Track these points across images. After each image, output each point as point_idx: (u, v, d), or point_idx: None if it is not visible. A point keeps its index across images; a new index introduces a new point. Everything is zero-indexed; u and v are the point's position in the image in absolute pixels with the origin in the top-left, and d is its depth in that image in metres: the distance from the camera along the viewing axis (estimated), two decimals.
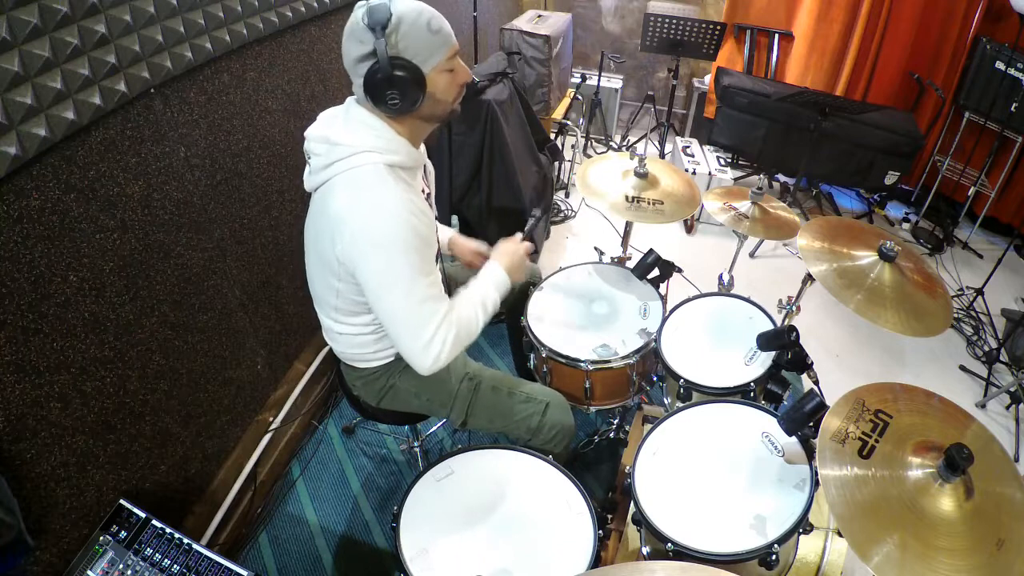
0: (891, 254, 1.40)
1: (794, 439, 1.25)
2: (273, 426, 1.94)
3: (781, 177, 3.86)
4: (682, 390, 1.51)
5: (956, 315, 2.90)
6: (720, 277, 2.02)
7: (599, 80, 3.92)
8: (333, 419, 2.23)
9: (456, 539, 1.23)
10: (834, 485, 0.96)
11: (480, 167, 2.43)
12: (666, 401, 1.70)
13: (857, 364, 2.61)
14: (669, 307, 1.74)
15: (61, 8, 1.03)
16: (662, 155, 3.85)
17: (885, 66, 3.60)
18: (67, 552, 1.22)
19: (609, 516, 1.48)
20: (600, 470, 2.02)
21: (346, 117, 1.18)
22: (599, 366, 1.61)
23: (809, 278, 1.57)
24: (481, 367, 1.52)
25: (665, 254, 1.78)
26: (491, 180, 2.45)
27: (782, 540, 1.10)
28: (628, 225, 2.04)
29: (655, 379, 1.75)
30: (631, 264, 1.82)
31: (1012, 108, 2.99)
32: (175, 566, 1.23)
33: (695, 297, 1.79)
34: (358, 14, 1.07)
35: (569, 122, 3.66)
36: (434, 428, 2.13)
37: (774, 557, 1.10)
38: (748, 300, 1.73)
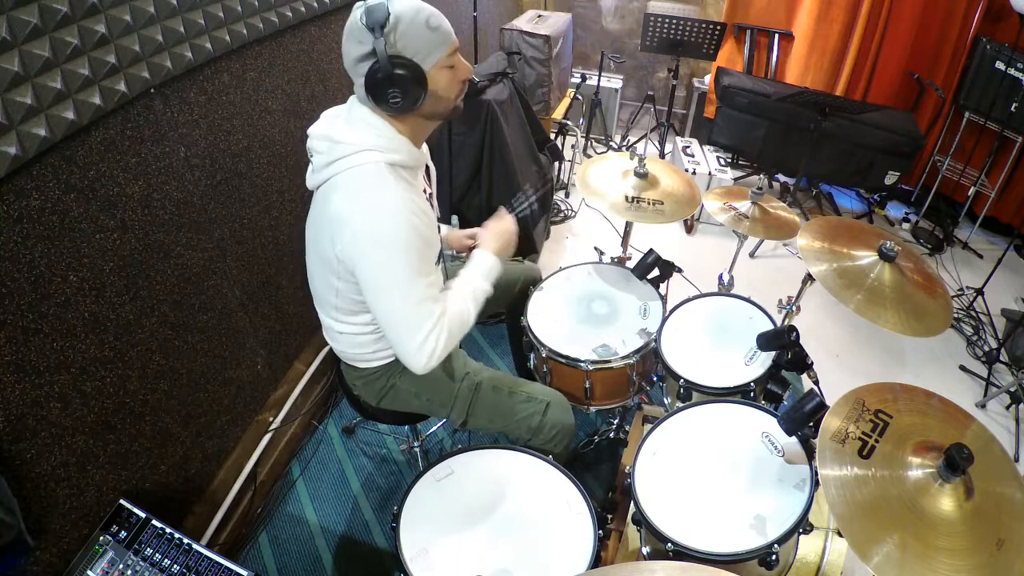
0: (891, 254, 1.40)
1: (794, 439, 1.25)
2: (273, 426, 1.94)
3: (781, 177, 3.86)
4: (682, 390, 1.51)
5: (956, 315, 2.89)
6: (720, 277, 2.02)
7: (599, 80, 3.91)
8: (333, 419, 2.23)
9: (456, 539, 1.22)
10: (834, 485, 0.96)
11: (480, 167, 2.43)
12: (666, 401, 1.70)
13: (857, 364, 2.61)
14: (669, 307, 1.74)
15: (61, 8, 1.03)
16: (662, 155, 3.85)
17: (885, 66, 3.60)
18: (67, 552, 1.22)
19: (609, 516, 1.47)
20: (600, 470, 2.02)
21: (348, 116, 1.18)
22: (599, 366, 1.62)
23: (809, 278, 1.57)
24: (481, 367, 1.52)
25: (665, 254, 1.78)
26: (491, 180, 2.45)
27: (782, 540, 1.10)
28: (628, 225, 2.04)
29: (655, 379, 1.75)
30: (631, 264, 1.82)
31: (1012, 108, 2.99)
32: (175, 566, 1.23)
33: (695, 297, 1.79)
34: (356, 14, 1.07)
35: (569, 122, 3.66)
36: (434, 428, 2.13)
37: (774, 557, 1.10)
38: (748, 300, 1.73)
